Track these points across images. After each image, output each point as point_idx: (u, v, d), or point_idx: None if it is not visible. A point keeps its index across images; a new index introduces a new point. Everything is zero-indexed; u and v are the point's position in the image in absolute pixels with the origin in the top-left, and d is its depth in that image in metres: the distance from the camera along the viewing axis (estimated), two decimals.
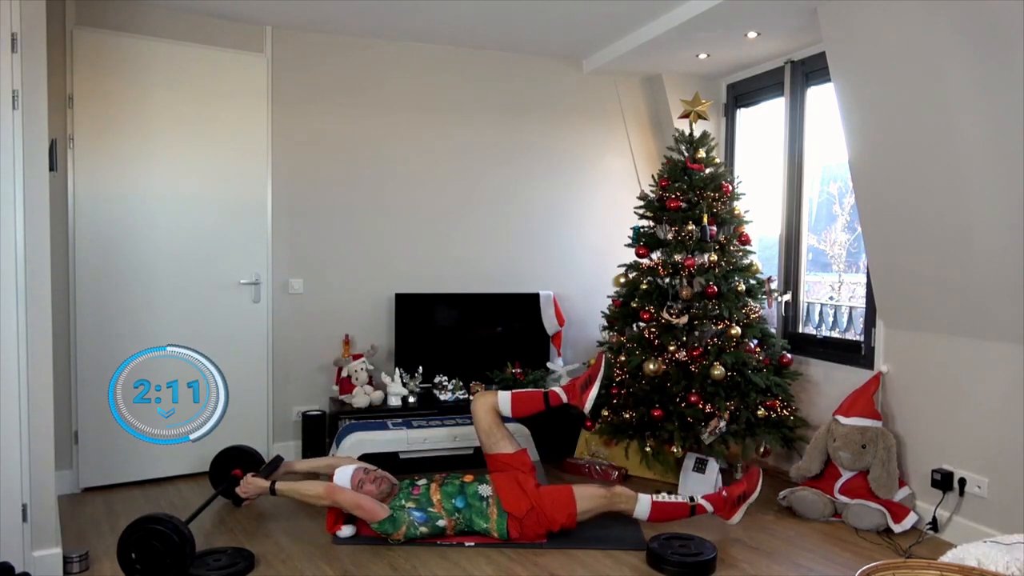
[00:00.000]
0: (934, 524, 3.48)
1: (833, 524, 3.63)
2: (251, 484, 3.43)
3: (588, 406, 3.55)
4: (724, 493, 3.42)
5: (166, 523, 2.86)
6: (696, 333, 4.02)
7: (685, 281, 4.08)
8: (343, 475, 3.36)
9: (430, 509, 3.28)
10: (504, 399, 3.55)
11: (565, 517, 3.28)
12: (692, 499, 3.41)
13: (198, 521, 3.26)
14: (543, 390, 3.65)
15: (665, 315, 4.03)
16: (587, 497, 3.33)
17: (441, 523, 3.28)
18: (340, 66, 4.54)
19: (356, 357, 4.45)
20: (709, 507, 3.39)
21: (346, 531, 3.34)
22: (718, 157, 4.45)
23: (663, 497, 3.40)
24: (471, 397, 4.48)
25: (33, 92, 2.79)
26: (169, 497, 3.88)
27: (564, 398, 3.59)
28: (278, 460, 3.71)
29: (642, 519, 3.37)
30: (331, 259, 4.57)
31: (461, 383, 4.59)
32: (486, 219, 4.94)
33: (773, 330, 4.29)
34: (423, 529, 3.26)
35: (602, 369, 3.59)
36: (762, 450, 4.01)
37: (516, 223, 5.02)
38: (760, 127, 4.98)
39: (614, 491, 3.37)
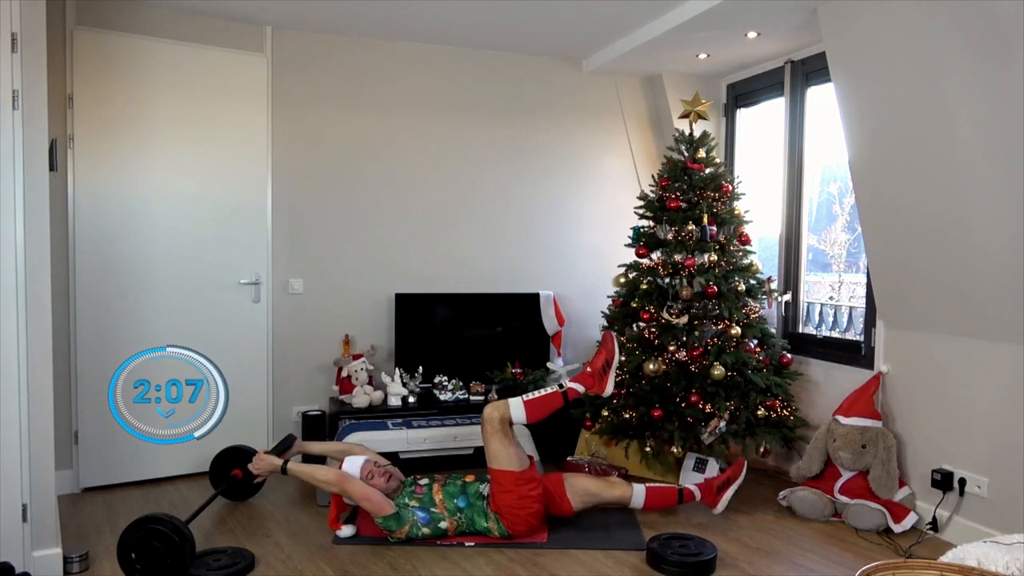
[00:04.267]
0: (934, 524, 3.48)
1: (833, 524, 3.63)
2: (264, 461, 3.46)
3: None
4: (588, 369, 3.54)
5: (166, 523, 2.86)
6: (696, 333, 4.02)
7: (685, 281, 4.08)
8: (353, 464, 3.35)
9: (432, 509, 3.28)
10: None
11: (506, 482, 3.27)
12: (561, 386, 3.51)
13: (198, 521, 3.26)
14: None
15: (665, 315, 4.03)
16: (493, 450, 3.33)
17: (443, 525, 3.28)
18: (340, 66, 4.54)
19: (356, 357, 4.45)
20: (580, 387, 3.49)
21: (346, 531, 3.34)
22: (718, 157, 4.45)
23: (533, 394, 3.47)
24: (471, 397, 4.50)
25: (33, 92, 2.79)
26: (169, 497, 3.88)
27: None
28: (290, 439, 3.74)
29: (521, 421, 3.40)
30: (331, 259, 4.58)
31: (461, 383, 4.58)
32: (486, 219, 4.94)
33: (773, 330, 4.29)
34: (425, 530, 3.27)
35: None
36: (762, 450, 4.01)
37: (516, 223, 5.02)
38: (760, 127, 4.98)
39: (484, 416, 3.37)
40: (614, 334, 3.67)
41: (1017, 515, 3.11)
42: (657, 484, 3.51)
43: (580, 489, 3.40)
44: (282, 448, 3.65)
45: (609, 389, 3.49)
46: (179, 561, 2.84)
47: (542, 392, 3.51)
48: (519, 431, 3.93)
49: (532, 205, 5.05)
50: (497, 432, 3.33)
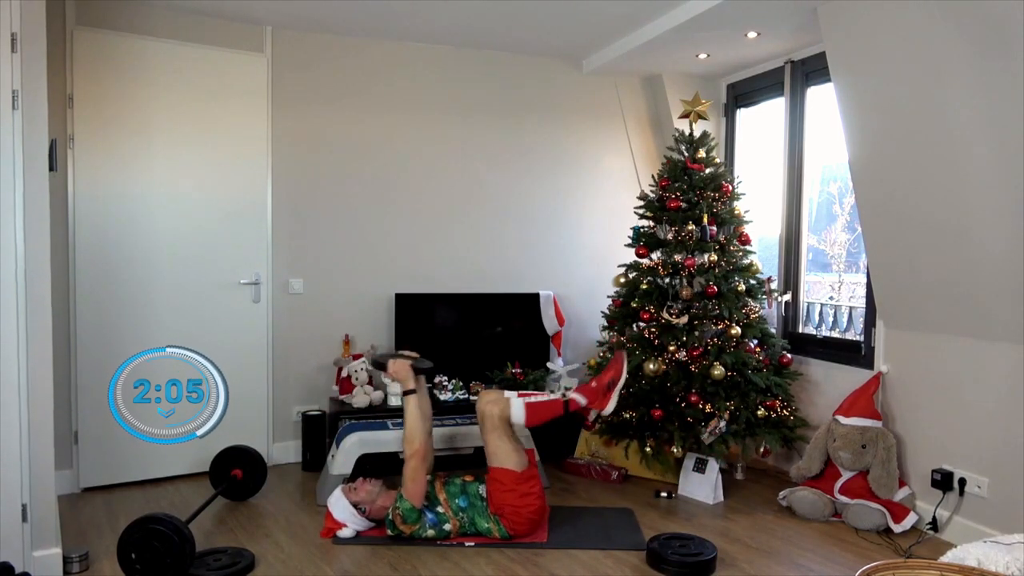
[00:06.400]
0: (934, 524, 3.48)
1: (833, 524, 3.63)
2: (405, 370, 3.39)
3: (610, 408, 3.46)
4: (593, 383, 3.49)
5: (166, 523, 2.86)
6: (696, 333, 4.02)
7: (685, 281, 4.08)
8: (339, 500, 3.39)
9: (439, 509, 3.28)
10: (517, 410, 3.34)
11: (507, 481, 3.25)
12: (564, 394, 3.47)
13: (198, 521, 3.26)
14: (562, 398, 3.47)
15: (665, 315, 4.03)
16: (492, 447, 3.30)
17: (447, 527, 3.28)
18: (340, 66, 4.54)
19: (356, 357, 4.45)
20: (582, 400, 3.45)
21: (346, 531, 3.34)
22: (718, 157, 4.45)
23: (535, 398, 3.43)
24: (471, 397, 4.50)
25: (33, 92, 2.79)
26: (169, 497, 3.88)
27: (584, 402, 3.46)
28: (430, 368, 3.55)
29: (520, 423, 3.36)
30: (331, 259, 4.57)
31: (461, 383, 4.58)
32: (486, 219, 4.94)
33: (773, 330, 4.29)
34: (430, 532, 3.27)
35: (625, 370, 3.52)
36: (762, 450, 4.02)
37: (516, 223, 5.02)
38: (760, 127, 4.98)
39: (484, 412, 3.33)
40: (625, 354, 3.61)
41: (1017, 515, 3.11)
42: (537, 400, 3.42)
43: (497, 448, 3.30)
44: (421, 369, 3.47)
45: (610, 408, 3.46)
46: (179, 561, 2.84)
47: (544, 398, 3.45)
48: (519, 429, 3.93)
49: (532, 205, 5.05)
50: (496, 428, 3.30)
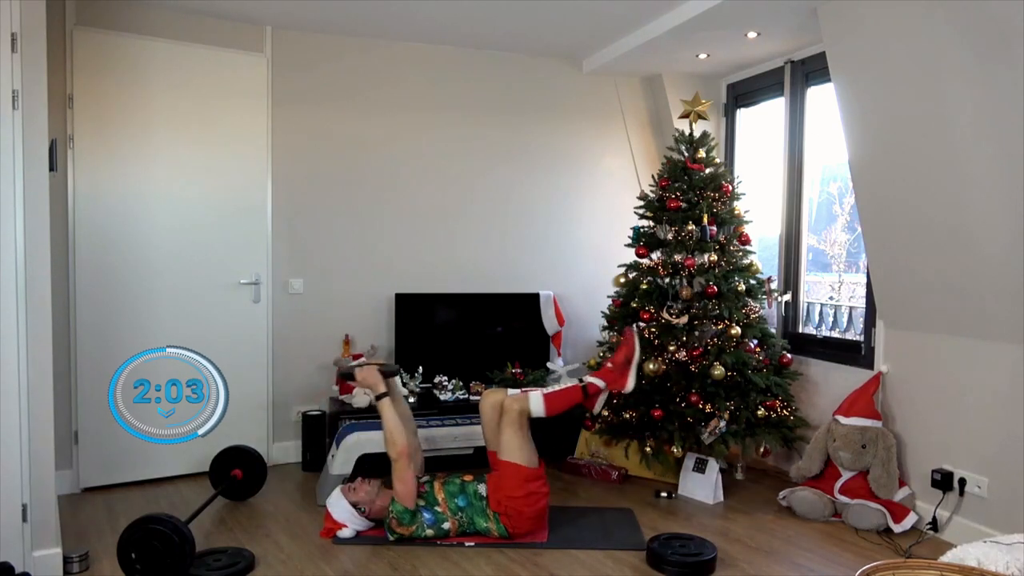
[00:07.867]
0: (934, 524, 3.48)
1: (833, 524, 3.63)
2: (373, 376, 3.39)
3: (630, 385, 3.51)
4: (609, 365, 3.52)
5: (166, 523, 2.86)
6: (696, 333, 4.02)
7: (685, 281, 4.08)
8: (338, 501, 3.38)
9: (436, 508, 3.28)
10: (536, 402, 3.35)
11: (515, 476, 3.24)
12: (581, 380, 3.50)
13: (198, 521, 3.26)
14: (579, 384, 3.50)
15: (665, 315, 4.03)
16: (506, 441, 3.29)
17: (446, 526, 3.28)
18: (340, 66, 4.55)
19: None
20: (601, 383, 3.48)
21: (346, 531, 3.34)
22: (718, 157, 4.44)
23: (553, 388, 3.45)
24: (471, 397, 4.50)
25: (33, 92, 2.79)
26: (169, 497, 3.88)
27: (602, 385, 3.50)
28: (397, 369, 3.63)
29: (540, 415, 3.35)
30: (331, 259, 4.58)
31: (461, 383, 4.58)
32: (486, 219, 4.94)
33: (773, 330, 4.29)
34: (429, 531, 3.27)
35: (637, 345, 3.55)
36: (762, 450, 4.02)
37: (516, 223, 5.02)
38: (760, 127, 4.98)
39: (504, 407, 3.35)
40: (635, 330, 3.66)
41: (1017, 515, 3.11)
42: (555, 389, 3.44)
43: (506, 439, 3.29)
44: (389, 373, 3.50)
45: (630, 385, 3.52)
46: (179, 561, 2.84)
47: (561, 386, 3.49)
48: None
49: (532, 205, 5.05)
50: (514, 423, 3.30)
